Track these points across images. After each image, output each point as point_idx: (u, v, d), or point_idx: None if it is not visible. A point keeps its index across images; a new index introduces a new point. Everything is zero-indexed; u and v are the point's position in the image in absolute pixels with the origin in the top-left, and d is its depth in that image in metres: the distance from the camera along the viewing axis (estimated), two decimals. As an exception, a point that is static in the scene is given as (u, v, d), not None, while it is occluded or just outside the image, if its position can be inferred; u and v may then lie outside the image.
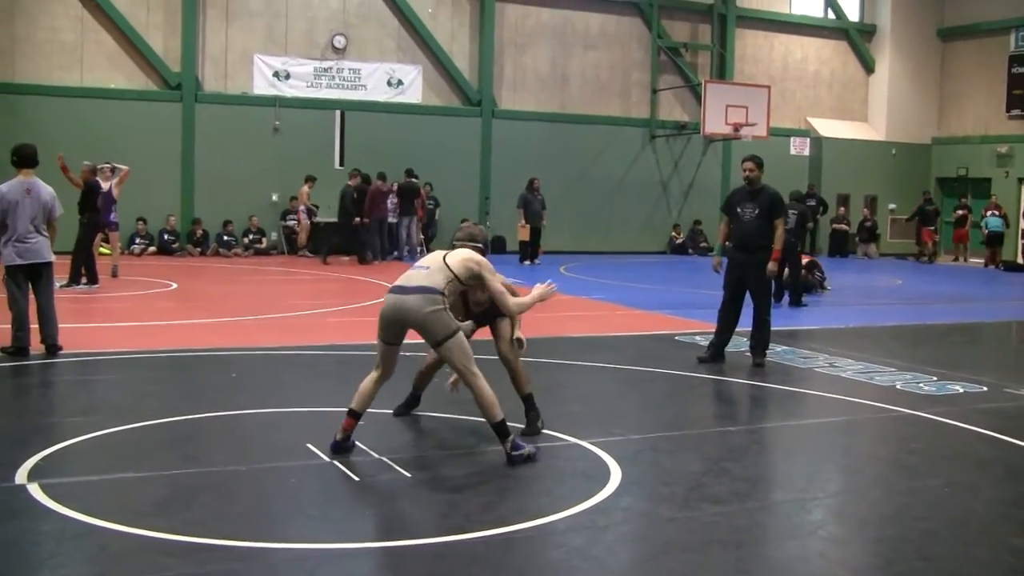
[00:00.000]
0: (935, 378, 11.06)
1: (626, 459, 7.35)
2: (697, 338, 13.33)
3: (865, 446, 8.53)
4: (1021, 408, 9.81)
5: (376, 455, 7.21)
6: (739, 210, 11.73)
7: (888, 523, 6.31)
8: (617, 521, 6.12)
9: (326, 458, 7.08)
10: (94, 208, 17.41)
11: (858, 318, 16.32)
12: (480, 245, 7.73)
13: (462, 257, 7.40)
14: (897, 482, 7.30)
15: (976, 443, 8.35)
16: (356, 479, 6.71)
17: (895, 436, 8.67)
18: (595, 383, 10.76)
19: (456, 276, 7.31)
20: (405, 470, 6.88)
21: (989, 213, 29.41)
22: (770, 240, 11.62)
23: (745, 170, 11.84)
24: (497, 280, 7.53)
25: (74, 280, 16.99)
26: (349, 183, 23.83)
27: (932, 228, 31.19)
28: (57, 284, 16.52)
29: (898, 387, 10.50)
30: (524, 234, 24.82)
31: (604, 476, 6.92)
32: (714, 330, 11.98)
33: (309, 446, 7.35)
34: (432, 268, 7.29)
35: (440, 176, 26.84)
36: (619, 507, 6.33)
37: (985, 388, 10.64)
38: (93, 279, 17.15)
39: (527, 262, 24.54)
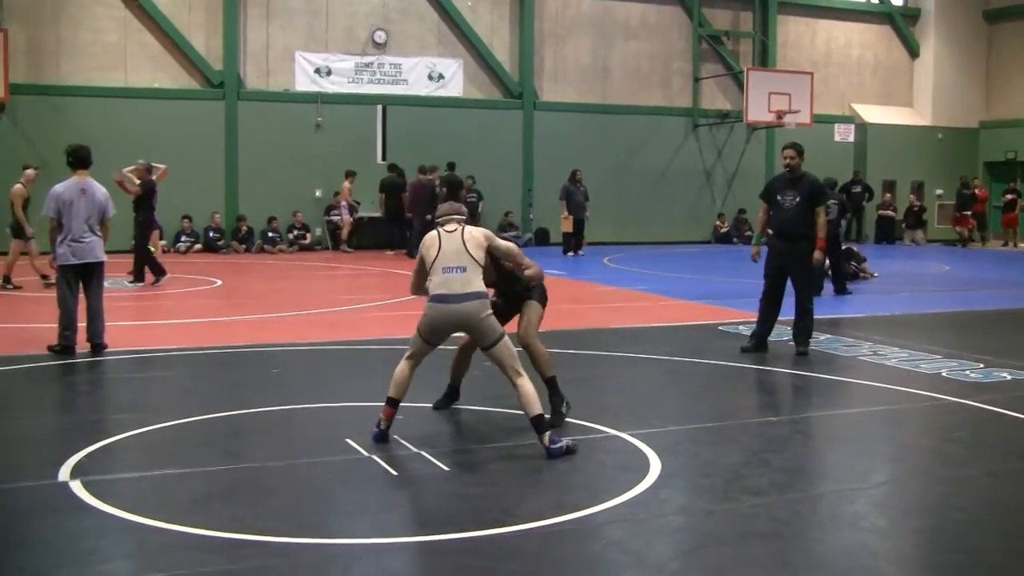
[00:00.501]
0: (981, 365, 10.92)
1: (666, 451, 7.31)
2: (740, 328, 13.22)
3: (908, 435, 8.44)
4: (1069, 395, 9.66)
5: (414, 449, 7.22)
6: (779, 198, 11.59)
7: (929, 514, 6.25)
8: (656, 514, 6.09)
9: (365, 453, 7.10)
10: (150, 206, 17.64)
11: (904, 305, 16.16)
12: (465, 214, 7.76)
13: (475, 242, 7.46)
14: (939, 471, 7.21)
15: (1018, 431, 8.24)
16: (394, 473, 6.72)
17: (939, 425, 8.57)
18: (636, 374, 10.72)
19: (483, 266, 7.44)
20: (443, 464, 6.89)
21: None
22: (811, 228, 11.50)
23: (786, 157, 11.65)
24: (502, 242, 7.81)
25: (138, 278, 17.27)
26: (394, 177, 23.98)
27: (968, 213, 30.84)
28: (127, 283, 16.93)
29: (943, 375, 10.38)
30: (567, 225, 24.79)
31: (644, 468, 6.88)
32: (756, 319, 11.88)
33: (348, 441, 7.37)
34: (468, 269, 7.31)
35: (482, 169, 26.84)
36: (658, 499, 6.30)
37: (1032, 375, 10.50)
38: (160, 271, 17.44)
39: (571, 253, 24.50)
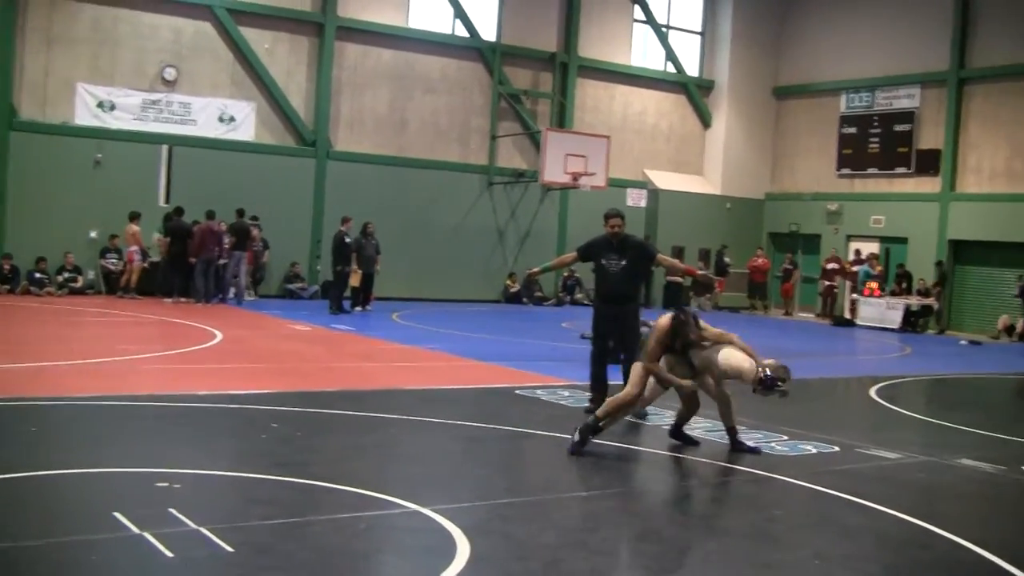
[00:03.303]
0: (786, 437, 10.74)
1: (473, 529, 6.70)
2: (538, 392, 12.83)
3: (726, 512, 8.04)
4: (877, 469, 9.49)
5: (193, 524, 6.38)
6: (604, 263, 11.54)
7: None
8: (467, 605, 5.46)
9: (135, 529, 6.21)
10: None
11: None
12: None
13: None
14: (766, 553, 6.80)
15: (838, 508, 7.95)
16: (169, 555, 5.86)
17: (755, 502, 8.21)
18: (434, 441, 10.08)
19: None
20: (226, 543, 6.07)
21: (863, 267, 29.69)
22: (636, 290, 11.78)
23: (614, 226, 11.54)
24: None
25: None
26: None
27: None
28: None
29: (750, 447, 10.09)
30: (356, 279, 23.99)
31: (450, 550, 6.24)
32: (590, 383, 11.71)
33: (117, 515, 6.45)
34: None
35: (271, 217, 25.81)
36: (469, 588, 5.67)
37: (837, 448, 10.35)
38: None
39: (358, 308, 23.74)
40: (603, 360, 11.67)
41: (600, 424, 9.31)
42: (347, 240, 23.33)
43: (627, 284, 11.56)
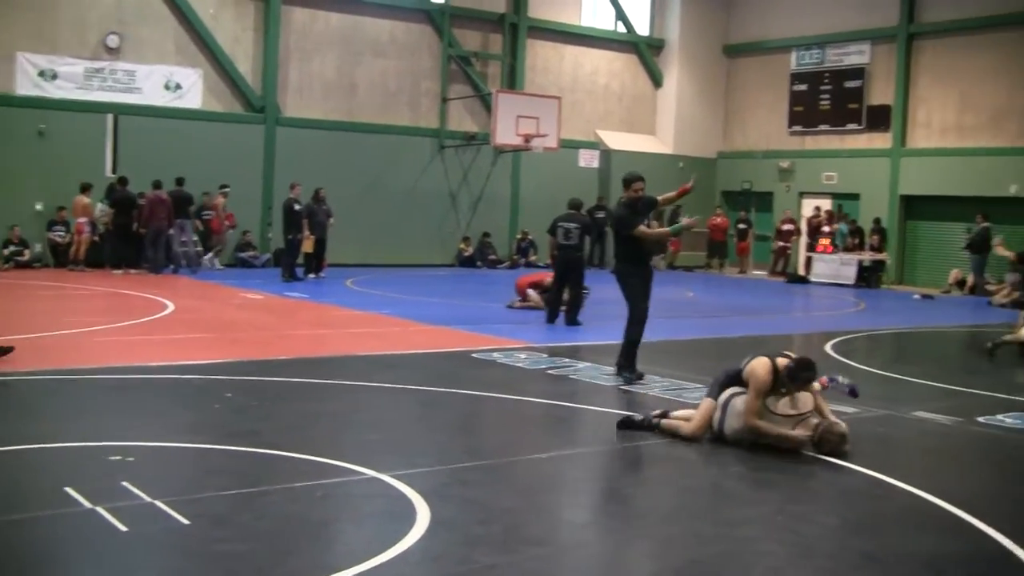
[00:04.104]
0: (744, 395, 10.70)
1: (433, 494, 6.62)
2: (495, 355, 12.75)
3: (687, 471, 8.00)
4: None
5: (147, 498, 6.26)
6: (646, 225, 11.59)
7: (730, 560, 5.75)
8: (429, 571, 5.39)
9: (88, 504, 6.08)
10: None
11: (659, 332, 15.90)
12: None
13: None
14: (727, 511, 6.78)
15: (798, 464, 7.93)
16: (123, 529, 5.74)
17: (716, 460, 8.18)
18: (391, 407, 9.99)
19: None
20: (182, 516, 5.96)
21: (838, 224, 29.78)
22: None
23: (640, 190, 11.53)
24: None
25: None
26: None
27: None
28: None
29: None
30: (309, 246, 23.74)
31: (410, 516, 6.17)
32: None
33: (68, 490, 6.32)
34: None
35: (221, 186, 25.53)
36: (430, 554, 5.60)
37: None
38: None
39: (312, 275, 23.53)
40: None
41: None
42: (296, 207, 23.08)
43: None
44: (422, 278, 25.17)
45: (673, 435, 8.59)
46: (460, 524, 6.17)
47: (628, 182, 11.60)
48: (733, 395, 8.45)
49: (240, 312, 17.02)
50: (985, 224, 26.06)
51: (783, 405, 8.24)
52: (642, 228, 11.37)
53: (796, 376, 8.24)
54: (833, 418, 8.27)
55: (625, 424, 8.87)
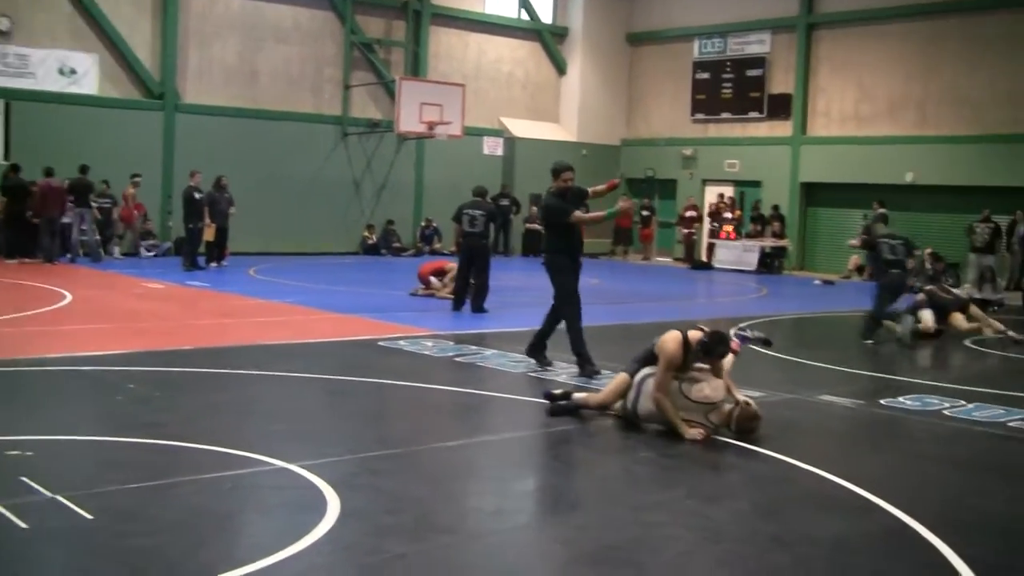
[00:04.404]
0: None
1: (342, 484, 6.55)
2: (401, 343, 12.68)
3: (597, 457, 8.02)
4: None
5: (48, 493, 6.08)
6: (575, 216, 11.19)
7: (642, 545, 5.76)
8: (340, 561, 5.32)
9: (-15, 500, 5.91)
10: None
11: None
12: None
13: None
14: (638, 495, 6.81)
15: (707, 448, 7.99)
16: (23, 526, 5.57)
17: (625, 445, 8.22)
18: (298, 396, 9.87)
19: None
20: (85, 511, 5.80)
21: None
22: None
23: (569, 180, 11.32)
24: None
25: None
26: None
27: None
28: None
29: (617, 391, 10.11)
30: (210, 234, 23.39)
31: (320, 506, 6.10)
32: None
33: (-36, 485, 6.15)
34: None
35: (120, 174, 24.91)
36: (341, 544, 5.53)
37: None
38: None
39: (214, 264, 23.19)
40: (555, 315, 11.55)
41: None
42: (197, 195, 22.70)
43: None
44: (326, 266, 24.96)
45: (584, 407, 8.72)
46: (370, 514, 6.11)
47: (557, 172, 11.33)
48: (648, 375, 8.50)
49: (141, 302, 16.70)
50: (882, 211, 26.52)
51: (697, 391, 8.30)
52: (578, 213, 11.18)
53: (711, 350, 8.32)
54: (743, 397, 8.34)
55: (556, 411, 8.95)
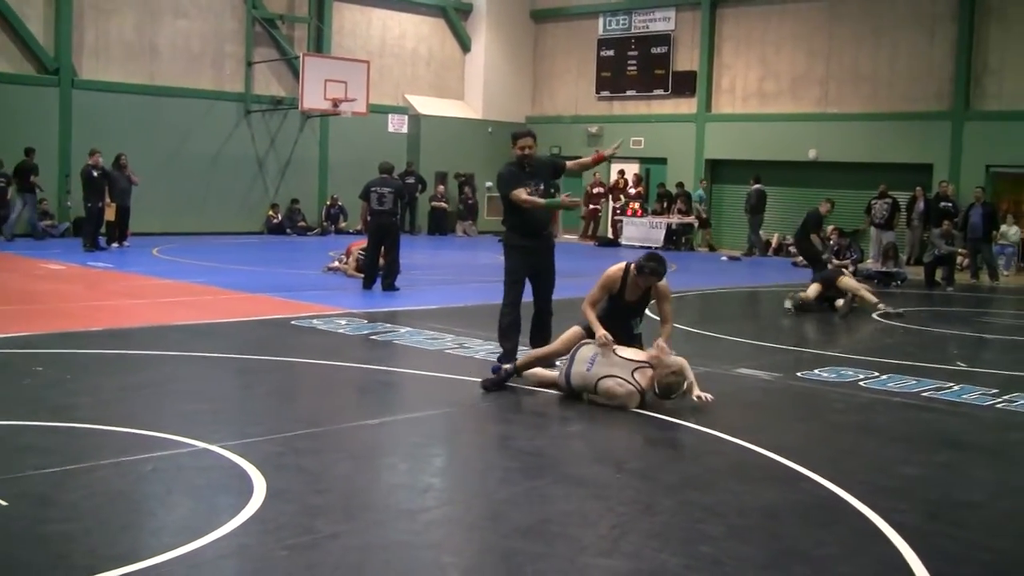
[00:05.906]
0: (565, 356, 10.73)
1: (267, 464, 6.43)
2: (315, 322, 12.51)
3: (520, 432, 7.95)
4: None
5: (-39, 479, 5.87)
6: (531, 191, 9.91)
7: (574, 518, 5.71)
8: (271, 542, 5.19)
9: None
10: None
11: (473, 296, 15.87)
12: None
13: None
14: (564, 469, 6.77)
15: (631, 422, 8.01)
16: (-63, 513, 5.37)
17: (549, 420, 8.19)
18: (214, 376, 9.68)
19: None
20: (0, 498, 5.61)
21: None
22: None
23: (526, 147, 9.92)
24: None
25: None
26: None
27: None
28: None
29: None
30: (110, 214, 22.89)
31: (246, 487, 5.97)
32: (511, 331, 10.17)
33: None
34: None
35: (13, 152, 24.16)
36: (271, 525, 5.40)
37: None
38: None
39: (115, 244, 22.70)
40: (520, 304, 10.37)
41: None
42: (96, 174, 22.16)
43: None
44: (231, 246, 24.58)
45: (534, 363, 9.02)
46: (298, 494, 5.98)
47: (515, 138, 10.01)
48: (584, 343, 8.63)
49: (42, 283, 16.26)
50: (758, 186, 27.10)
51: (624, 350, 8.52)
52: (518, 192, 9.84)
53: (641, 267, 8.73)
54: (670, 360, 8.37)
55: (490, 384, 8.99)
